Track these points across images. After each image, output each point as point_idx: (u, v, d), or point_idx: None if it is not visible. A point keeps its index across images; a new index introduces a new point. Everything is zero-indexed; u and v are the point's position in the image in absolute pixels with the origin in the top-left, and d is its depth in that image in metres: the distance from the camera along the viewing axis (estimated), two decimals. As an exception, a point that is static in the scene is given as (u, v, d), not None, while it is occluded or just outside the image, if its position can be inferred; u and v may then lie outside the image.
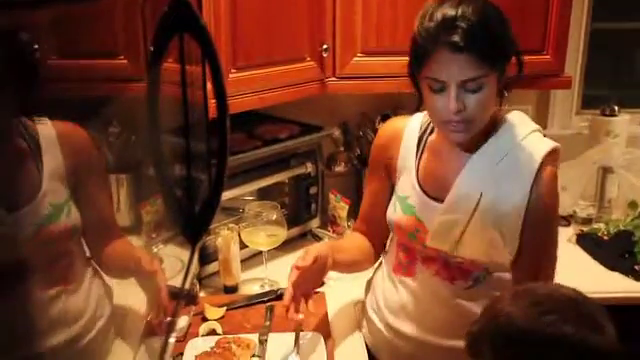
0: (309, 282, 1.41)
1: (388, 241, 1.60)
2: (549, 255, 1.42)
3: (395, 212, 1.47)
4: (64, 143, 0.55)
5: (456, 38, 1.20)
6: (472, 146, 1.38)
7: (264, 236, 1.80)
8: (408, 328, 1.50)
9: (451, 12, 1.23)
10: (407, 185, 1.45)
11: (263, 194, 1.94)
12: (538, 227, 1.38)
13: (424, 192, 1.42)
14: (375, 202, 1.56)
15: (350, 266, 1.61)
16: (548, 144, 1.36)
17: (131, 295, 0.77)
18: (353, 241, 1.62)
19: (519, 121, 1.41)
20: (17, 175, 0.47)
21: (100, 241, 0.67)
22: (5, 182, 0.43)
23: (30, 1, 0.41)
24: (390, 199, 1.51)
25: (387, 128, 1.57)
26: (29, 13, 0.43)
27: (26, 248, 0.46)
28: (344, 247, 1.59)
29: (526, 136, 1.38)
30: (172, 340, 1.24)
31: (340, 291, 1.68)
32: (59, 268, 0.57)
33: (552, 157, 1.36)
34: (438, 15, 1.25)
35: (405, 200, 1.45)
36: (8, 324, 0.45)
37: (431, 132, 1.46)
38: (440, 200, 1.39)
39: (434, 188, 1.42)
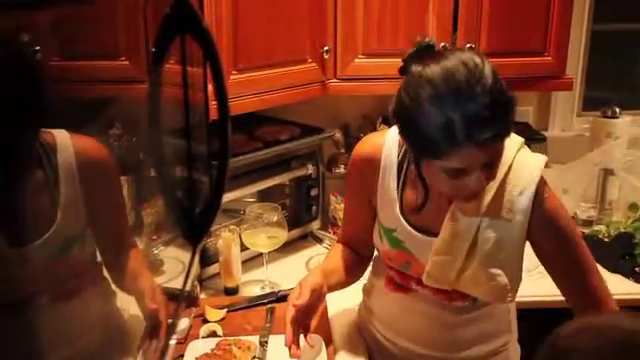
0: (308, 316, 1.36)
1: (375, 257, 1.58)
2: (586, 262, 1.36)
3: (382, 243, 1.43)
4: (83, 169, 0.54)
5: (489, 134, 1.07)
6: None
7: (265, 238, 1.81)
8: (402, 341, 1.50)
9: (470, 100, 1.08)
10: (391, 218, 1.39)
11: (264, 196, 1.95)
12: (562, 247, 1.35)
13: (412, 225, 1.36)
14: (358, 223, 1.52)
15: (343, 285, 1.56)
16: (541, 161, 1.32)
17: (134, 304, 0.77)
18: (340, 260, 1.55)
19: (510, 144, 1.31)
20: (28, 208, 0.46)
21: (115, 254, 0.67)
22: (12, 217, 0.42)
23: (31, 2, 0.41)
24: (374, 219, 1.46)
25: (366, 146, 1.47)
26: (30, 14, 0.42)
27: (31, 285, 0.46)
28: (334, 269, 1.53)
29: (514, 157, 1.31)
30: (173, 342, 1.24)
31: (340, 294, 1.68)
32: (69, 291, 0.57)
33: (543, 179, 1.31)
34: (453, 106, 1.08)
35: (391, 233, 1.39)
36: (21, 342, 0.45)
37: (406, 154, 1.37)
38: (431, 232, 1.34)
39: (423, 220, 1.36)
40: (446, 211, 1.32)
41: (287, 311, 1.33)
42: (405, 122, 1.18)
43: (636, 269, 1.91)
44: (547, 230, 1.32)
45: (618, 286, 1.84)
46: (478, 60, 1.11)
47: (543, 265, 1.39)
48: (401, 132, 1.21)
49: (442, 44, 1.23)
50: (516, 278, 1.34)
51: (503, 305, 1.49)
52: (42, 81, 0.50)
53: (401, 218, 1.36)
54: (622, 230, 2.07)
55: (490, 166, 1.17)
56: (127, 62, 0.77)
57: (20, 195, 0.43)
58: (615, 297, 1.80)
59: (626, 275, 1.91)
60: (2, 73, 0.43)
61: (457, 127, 1.06)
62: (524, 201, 1.29)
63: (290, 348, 1.31)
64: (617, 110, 2.34)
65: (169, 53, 0.82)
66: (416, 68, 1.14)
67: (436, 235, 1.33)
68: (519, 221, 1.30)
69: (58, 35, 0.53)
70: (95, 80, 0.61)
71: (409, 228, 1.36)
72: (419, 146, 1.18)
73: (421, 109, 1.10)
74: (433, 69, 1.10)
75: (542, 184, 1.30)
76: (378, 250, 1.48)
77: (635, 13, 2.50)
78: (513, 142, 1.28)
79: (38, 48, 0.49)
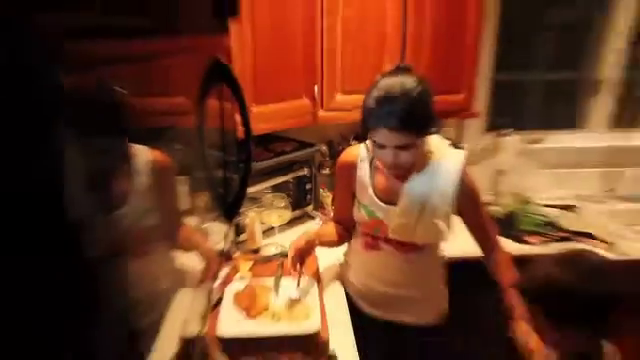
0: (303, 256, 1.45)
1: (355, 229, 1.59)
2: (489, 220, 1.50)
3: (360, 214, 1.47)
4: (153, 169, 0.56)
5: (393, 123, 1.19)
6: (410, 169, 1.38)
7: (276, 216, 1.84)
8: (373, 284, 1.53)
9: (390, 100, 1.20)
10: (367, 198, 1.43)
11: (275, 189, 1.95)
12: (477, 208, 1.45)
13: (381, 200, 1.41)
14: (343, 206, 1.55)
15: (330, 245, 1.62)
16: (461, 154, 1.39)
17: (190, 260, 0.78)
18: (332, 229, 1.62)
19: (439, 142, 1.41)
20: (117, 190, 0.48)
21: (172, 229, 0.69)
22: (107, 195, 0.44)
23: (124, 58, 0.43)
24: (353, 202, 1.50)
25: (346, 156, 1.52)
26: (121, 68, 0.44)
27: (121, 241, 0.47)
28: (326, 233, 1.60)
29: (447, 152, 1.40)
30: (217, 284, 1.25)
31: (327, 253, 1.70)
32: (147, 247, 0.59)
33: (465, 164, 1.38)
34: (381, 101, 1.22)
35: (367, 207, 1.44)
36: (122, 279, 0.47)
37: (375, 157, 1.44)
38: (393, 203, 1.39)
39: (387, 196, 1.41)
40: (399, 190, 1.38)
41: (289, 251, 1.43)
42: (362, 106, 1.27)
43: (514, 233, 1.99)
44: (467, 195, 1.39)
45: (508, 246, 1.86)
46: (412, 81, 1.23)
47: (464, 221, 1.46)
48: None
49: (403, 65, 1.30)
50: (448, 225, 1.40)
51: (437, 258, 1.55)
52: (131, 114, 0.51)
53: (373, 196, 1.42)
54: (508, 210, 2.13)
55: (402, 148, 1.25)
56: (183, 98, 0.78)
57: (112, 180, 0.45)
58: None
59: (511, 239, 1.96)
60: (106, 110, 0.44)
61: (375, 113, 1.22)
62: (454, 177, 1.35)
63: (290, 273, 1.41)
64: (508, 131, 2.38)
65: (210, 93, 0.83)
66: (378, 78, 1.27)
67: (395, 204, 1.38)
68: (450, 190, 1.36)
69: (139, 82, 0.54)
70: (164, 113, 0.62)
71: (378, 202, 1.41)
72: (364, 120, 1.28)
73: (367, 99, 1.25)
74: (384, 79, 1.25)
75: (464, 168, 1.37)
76: (358, 222, 1.51)
77: (522, 67, 2.51)
78: (444, 142, 1.43)
79: (126, 92, 0.51)
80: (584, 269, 1.06)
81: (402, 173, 1.36)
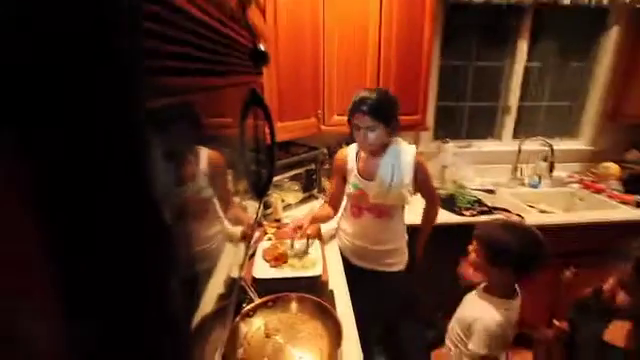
0: (306, 226, 1.45)
1: (345, 204, 1.58)
2: (434, 190, 1.53)
3: (349, 190, 1.47)
4: (210, 162, 0.54)
5: (365, 108, 1.25)
6: (380, 153, 1.39)
7: (292, 196, 1.82)
8: (358, 241, 1.52)
9: (364, 96, 1.27)
10: (353, 177, 1.44)
11: (292, 178, 1.93)
12: (427, 181, 1.46)
13: (363, 178, 1.41)
14: (337, 189, 1.55)
15: (327, 219, 1.61)
16: (414, 148, 1.42)
17: (234, 229, 0.76)
18: (328, 208, 1.60)
19: (400, 141, 1.43)
20: (187, 171, 0.46)
21: (225, 203, 0.67)
22: (181, 173, 0.43)
23: (200, 89, 0.41)
24: (344, 186, 1.51)
25: (340, 153, 1.53)
26: (199, 95, 0.42)
27: (187, 206, 0.46)
28: (321, 215, 1.57)
29: (404, 144, 1.42)
30: (252, 242, 1.24)
31: (327, 225, 1.68)
32: (206, 214, 0.57)
33: (418, 153, 1.41)
34: (359, 96, 1.28)
35: (353, 183, 1.44)
36: (191, 237, 0.46)
37: (359, 151, 1.47)
38: (371, 179, 1.39)
39: (367, 175, 1.41)
40: (375, 170, 1.39)
41: (290, 225, 1.46)
42: (350, 106, 1.32)
43: (455, 209, 1.92)
44: (420, 171, 1.41)
45: (447, 217, 1.85)
46: (386, 91, 1.33)
47: (419, 189, 1.48)
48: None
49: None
50: (410, 193, 1.41)
51: (402, 223, 1.53)
52: (200, 126, 0.50)
53: (357, 175, 1.43)
54: (449, 192, 2.08)
55: (370, 130, 1.29)
56: (231, 118, 0.76)
57: (185, 165, 0.44)
58: (447, 222, 1.81)
59: (452, 211, 1.91)
60: (188, 118, 0.43)
61: (355, 104, 1.28)
62: (411, 159, 1.38)
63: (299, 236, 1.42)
64: (448, 140, 2.36)
65: (248, 114, 0.81)
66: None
67: (372, 180, 1.39)
68: (409, 167, 1.38)
69: (206, 105, 0.52)
70: (219, 126, 0.60)
71: (361, 178, 1.42)
72: (349, 111, 1.32)
73: (353, 100, 1.31)
74: (364, 89, 1.32)
75: (416, 154, 1.40)
76: (348, 196, 1.50)
77: (458, 96, 2.48)
78: (403, 142, 1.44)
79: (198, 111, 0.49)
80: (517, 232, 1.05)
81: (372, 150, 1.38)
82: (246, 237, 0.77)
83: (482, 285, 1.18)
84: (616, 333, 0.90)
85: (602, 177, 2.39)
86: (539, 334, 1.10)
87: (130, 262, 0.26)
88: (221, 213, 0.66)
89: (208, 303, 0.49)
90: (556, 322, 1.09)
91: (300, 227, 1.42)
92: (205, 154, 0.57)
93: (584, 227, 1.85)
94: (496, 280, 1.10)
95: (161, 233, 0.28)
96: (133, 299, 0.27)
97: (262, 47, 0.70)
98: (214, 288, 0.57)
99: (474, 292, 1.19)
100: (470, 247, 1.15)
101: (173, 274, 0.31)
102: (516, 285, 1.12)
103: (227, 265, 0.63)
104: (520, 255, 1.02)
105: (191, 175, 0.48)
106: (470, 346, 1.08)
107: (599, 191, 2.22)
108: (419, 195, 1.51)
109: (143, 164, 0.25)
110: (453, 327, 1.20)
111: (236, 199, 0.87)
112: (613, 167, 2.39)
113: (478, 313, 1.09)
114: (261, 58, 0.71)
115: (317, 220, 1.55)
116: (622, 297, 0.82)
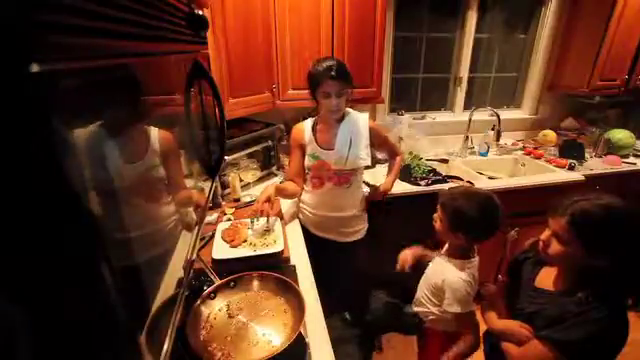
0: (267, 202, 1.40)
1: (307, 177, 1.57)
2: (393, 145, 1.62)
3: (310, 162, 1.47)
4: (160, 138, 0.50)
5: (334, 74, 1.27)
6: (337, 124, 1.42)
7: (250, 175, 1.77)
8: (320, 211, 1.54)
9: (329, 64, 1.29)
10: (312, 148, 1.45)
11: (249, 156, 1.88)
12: (384, 140, 1.55)
13: (323, 148, 1.43)
14: (296, 164, 1.53)
15: (288, 197, 1.59)
16: (366, 115, 1.47)
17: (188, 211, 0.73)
18: (291, 185, 1.56)
19: (352, 111, 1.46)
20: (139, 148, 0.42)
21: (174, 188, 0.63)
22: (132, 150, 0.39)
23: (133, 54, 0.37)
24: (304, 160, 1.50)
25: (296, 128, 1.52)
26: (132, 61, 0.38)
27: (139, 184, 0.43)
28: (284, 188, 1.53)
29: (357, 113, 1.46)
30: (206, 221, 1.19)
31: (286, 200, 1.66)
32: (157, 194, 0.54)
33: (370, 119, 1.46)
34: (323, 65, 1.29)
35: (313, 154, 1.45)
36: (142, 219, 0.42)
37: (315, 125, 1.49)
38: (329, 148, 1.43)
39: (325, 145, 1.44)
40: (332, 139, 1.42)
41: (257, 201, 1.41)
42: (309, 77, 1.34)
43: (411, 179, 1.97)
44: (376, 133, 1.48)
45: (403, 187, 1.90)
46: (340, 60, 1.33)
47: (380, 149, 1.64)
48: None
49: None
50: (367, 155, 1.46)
51: (360, 192, 1.57)
52: (144, 105, 0.46)
53: (316, 146, 1.44)
54: (407, 163, 2.12)
55: (338, 96, 1.31)
56: (175, 95, 0.71)
57: (138, 143, 0.40)
58: (404, 192, 1.86)
59: (408, 182, 1.96)
60: (126, 97, 0.40)
61: (320, 72, 1.29)
62: (365, 124, 1.45)
63: (261, 214, 1.38)
64: (403, 112, 2.39)
65: (192, 87, 0.76)
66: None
67: (332, 149, 1.43)
68: (364, 131, 1.44)
69: (146, 78, 0.47)
70: (159, 101, 0.55)
71: (320, 149, 1.44)
72: (312, 82, 1.32)
73: (312, 71, 1.33)
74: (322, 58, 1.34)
75: (369, 119, 1.48)
76: (308, 168, 1.50)
77: (412, 68, 2.51)
78: (358, 113, 1.47)
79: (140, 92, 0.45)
80: (479, 200, 1.10)
81: (337, 118, 1.41)
82: (200, 220, 0.73)
83: (444, 249, 1.24)
84: (546, 279, 1.00)
85: (541, 144, 2.59)
86: (484, 290, 1.19)
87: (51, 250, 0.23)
88: (168, 195, 0.62)
89: (154, 287, 0.46)
90: (500, 277, 1.19)
91: (269, 199, 1.40)
92: (153, 132, 0.53)
93: (526, 190, 2.01)
94: (458, 244, 1.16)
95: (80, 219, 0.25)
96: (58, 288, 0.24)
97: (199, 11, 0.64)
98: (171, 275, 0.54)
99: (438, 257, 1.25)
100: (435, 215, 1.20)
101: (101, 263, 0.28)
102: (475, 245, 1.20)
103: (183, 252, 0.60)
104: (480, 221, 1.08)
105: (140, 152, 0.45)
106: (444, 308, 1.15)
107: (539, 157, 2.40)
108: (380, 168, 1.54)
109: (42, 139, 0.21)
110: (421, 288, 1.27)
111: (191, 182, 0.83)
112: (551, 134, 2.59)
113: (444, 275, 1.15)
114: (199, 23, 0.65)
115: (281, 191, 1.52)
116: (555, 247, 0.90)
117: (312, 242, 1.48)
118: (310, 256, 1.32)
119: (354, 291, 1.80)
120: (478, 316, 1.18)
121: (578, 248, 0.85)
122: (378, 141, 1.50)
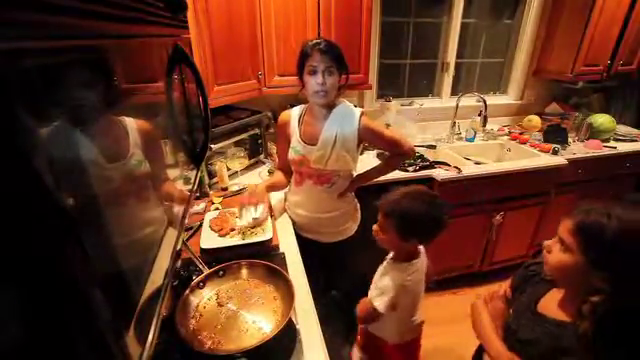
0: (255, 200, 1.37)
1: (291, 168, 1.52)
2: (392, 139, 1.36)
3: (291, 155, 1.39)
4: (139, 129, 0.48)
5: (322, 47, 1.20)
6: (325, 116, 1.34)
7: (237, 163, 1.74)
8: (302, 211, 1.48)
9: (317, 40, 1.23)
10: (295, 141, 1.38)
11: (236, 144, 1.84)
12: (380, 138, 1.37)
13: (305, 142, 1.35)
14: (284, 153, 1.45)
15: (278, 189, 1.54)
16: (359, 110, 1.35)
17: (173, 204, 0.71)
18: (280, 176, 1.52)
19: (346, 104, 1.37)
20: (118, 145, 0.41)
21: (159, 182, 0.61)
22: (112, 148, 0.37)
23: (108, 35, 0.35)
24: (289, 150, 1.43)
25: (282, 116, 1.43)
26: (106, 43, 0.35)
27: (123, 183, 0.41)
28: (275, 181, 1.50)
29: (350, 107, 1.35)
30: (193, 209, 1.17)
31: (277, 195, 1.65)
32: (142, 191, 0.52)
33: (363, 114, 1.34)
34: (312, 42, 1.22)
35: (295, 148, 1.38)
36: (127, 218, 0.41)
37: (302, 115, 1.40)
38: (312, 144, 1.34)
39: (309, 139, 1.35)
40: (317, 135, 1.33)
41: (242, 197, 1.38)
42: (299, 54, 1.25)
43: (399, 165, 1.96)
44: (367, 131, 1.34)
45: (392, 174, 1.90)
46: (330, 41, 1.24)
47: (376, 147, 1.60)
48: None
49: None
50: (354, 159, 1.38)
51: (346, 185, 1.47)
52: (120, 94, 0.44)
53: (299, 139, 1.36)
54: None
55: (328, 72, 1.23)
56: (159, 84, 0.68)
57: (115, 138, 0.38)
58: (391, 179, 1.85)
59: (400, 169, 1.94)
60: (96, 87, 0.37)
61: (309, 46, 1.22)
62: (355, 122, 1.33)
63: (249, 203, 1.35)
64: (391, 98, 2.37)
65: (173, 72, 0.73)
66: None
67: (314, 144, 1.34)
68: (353, 130, 1.32)
69: (123, 67, 0.45)
70: (145, 90, 0.53)
71: (302, 143, 1.36)
72: (301, 57, 1.24)
73: (302, 44, 1.26)
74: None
75: (361, 116, 1.33)
76: (290, 161, 1.42)
77: (400, 54, 2.49)
78: (349, 104, 1.37)
79: (116, 79, 0.43)
80: (425, 199, 1.06)
81: (325, 102, 1.29)
82: (185, 213, 0.72)
83: (390, 256, 1.21)
84: (551, 302, 0.88)
85: (526, 129, 2.62)
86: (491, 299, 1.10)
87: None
88: (153, 190, 0.60)
89: (138, 282, 0.45)
90: (504, 290, 1.08)
91: (256, 202, 1.35)
92: (132, 124, 0.50)
93: (511, 175, 2.04)
94: (404, 249, 1.13)
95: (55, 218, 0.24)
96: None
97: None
98: (160, 265, 0.53)
99: (386, 262, 1.21)
100: (375, 227, 1.13)
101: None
102: (420, 246, 1.18)
103: (170, 245, 0.58)
104: (430, 219, 1.04)
105: (122, 150, 0.43)
106: (369, 297, 1.16)
107: (524, 142, 2.43)
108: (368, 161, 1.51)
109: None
110: (370, 291, 1.23)
111: (176, 172, 0.81)
112: (535, 119, 2.62)
113: (386, 279, 1.13)
114: (177, 4, 0.62)
115: (273, 187, 1.48)
116: (556, 254, 0.81)
117: (299, 239, 1.42)
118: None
119: (342, 289, 1.76)
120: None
121: (580, 257, 0.76)
122: (372, 140, 1.39)
